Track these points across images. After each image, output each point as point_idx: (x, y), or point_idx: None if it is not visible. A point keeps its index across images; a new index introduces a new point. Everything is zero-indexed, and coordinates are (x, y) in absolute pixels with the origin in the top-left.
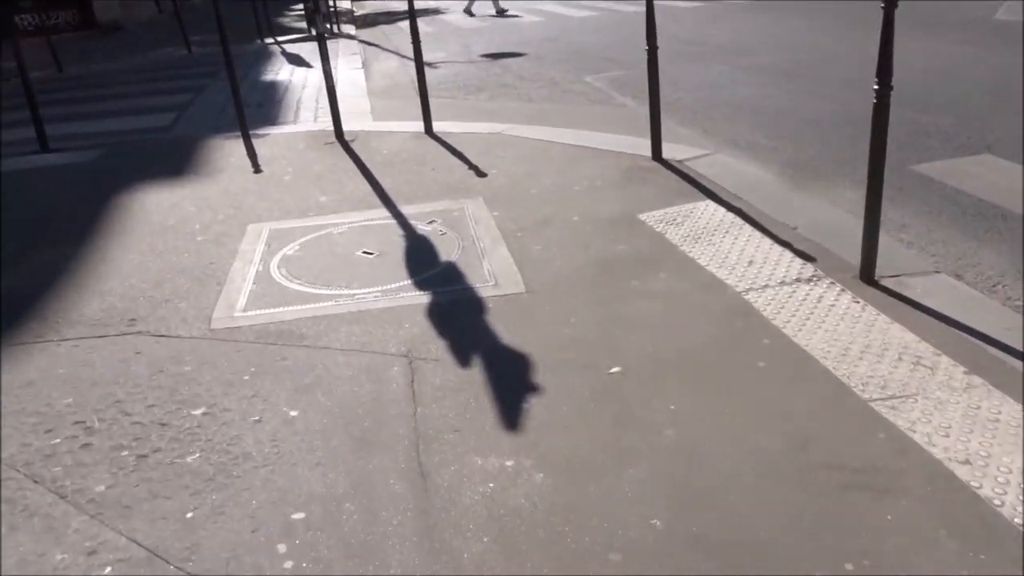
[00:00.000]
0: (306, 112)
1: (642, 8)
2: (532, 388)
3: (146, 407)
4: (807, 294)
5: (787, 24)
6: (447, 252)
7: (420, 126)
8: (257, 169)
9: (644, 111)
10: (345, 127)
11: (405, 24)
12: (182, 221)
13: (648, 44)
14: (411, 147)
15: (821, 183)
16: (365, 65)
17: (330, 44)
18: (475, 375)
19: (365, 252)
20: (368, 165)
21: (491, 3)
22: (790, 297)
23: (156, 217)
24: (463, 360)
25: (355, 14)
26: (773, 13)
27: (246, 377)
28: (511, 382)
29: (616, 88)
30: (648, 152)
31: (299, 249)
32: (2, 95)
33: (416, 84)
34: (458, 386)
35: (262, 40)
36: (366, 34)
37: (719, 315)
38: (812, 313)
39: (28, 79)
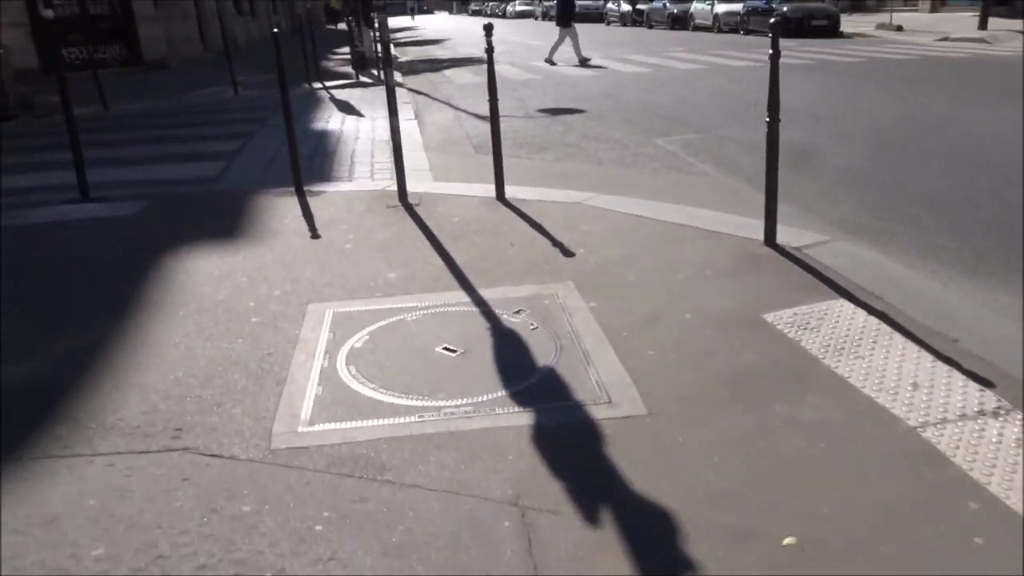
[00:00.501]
0: (361, 167)
1: (690, 67)
2: (688, 566)
3: (196, 569)
4: (1000, 435)
5: (849, 86)
6: (543, 354)
7: (489, 190)
8: (315, 234)
9: (731, 182)
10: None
11: (451, 72)
12: (234, 296)
13: (770, 115)
14: (483, 215)
15: (967, 281)
16: (418, 116)
17: (377, 91)
18: (609, 540)
19: (446, 349)
20: (437, 235)
21: (573, 52)
22: (980, 438)
23: (205, 289)
24: (589, 514)
25: (399, 60)
26: (826, 74)
27: (319, 527)
28: (659, 554)
29: (691, 153)
30: (756, 234)
31: (369, 340)
32: (40, 133)
33: (472, 140)
34: (590, 557)
35: (309, 84)
36: (412, 82)
37: (899, 461)
38: (1017, 464)
39: (72, 118)
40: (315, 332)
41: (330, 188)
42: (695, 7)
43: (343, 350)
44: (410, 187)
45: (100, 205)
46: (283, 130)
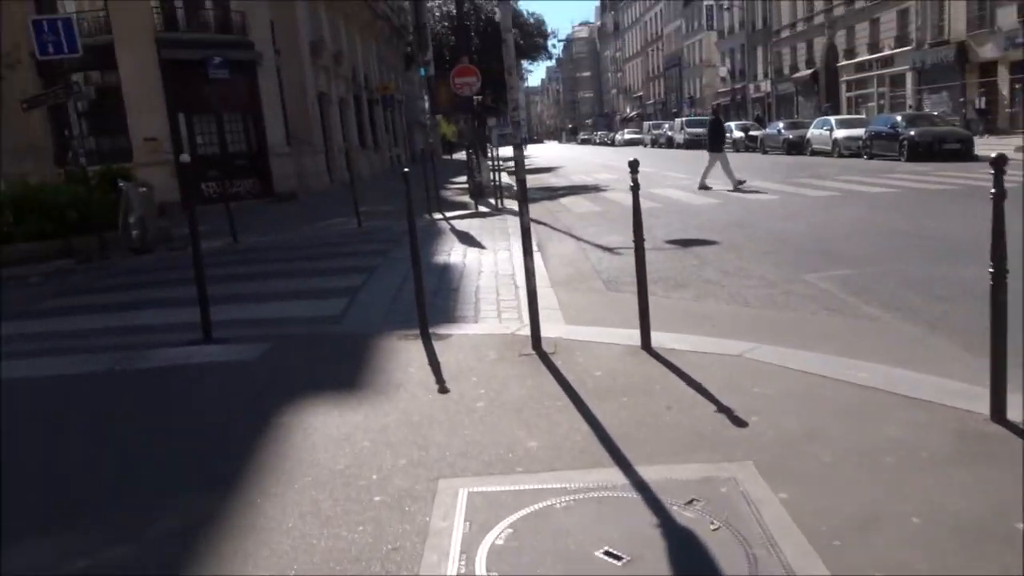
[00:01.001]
0: (486, 305)
1: (820, 193)
2: None
3: None
4: None
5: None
6: (733, 565)
7: (631, 336)
8: (442, 388)
9: (910, 328)
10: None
11: (567, 201)
12: (354, 465)
13: (994, 266)
14: (629, 368)
15: None
16: (540, 248)
17: (496, 221)
18: None
19: (609, 554)
20: (580, 393)
21: (726, 177)
22: None
23: (323, 455)
24: None
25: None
26: (976, 200)
27: None
28: None
29: (851, 292)
30: (975, 406)
31: (512, 536)
32: (173, 267)
33: (601, 275)
34: None
35: (429, 215)
36: (530, 211)
37: None
38: None
39: (200, 261)
40: (448, 520)
41: (456, 331)
42: (812, 132)
43: (482, 549)
44: (542, 329)
45: (222, 348)
46: (406, 263)
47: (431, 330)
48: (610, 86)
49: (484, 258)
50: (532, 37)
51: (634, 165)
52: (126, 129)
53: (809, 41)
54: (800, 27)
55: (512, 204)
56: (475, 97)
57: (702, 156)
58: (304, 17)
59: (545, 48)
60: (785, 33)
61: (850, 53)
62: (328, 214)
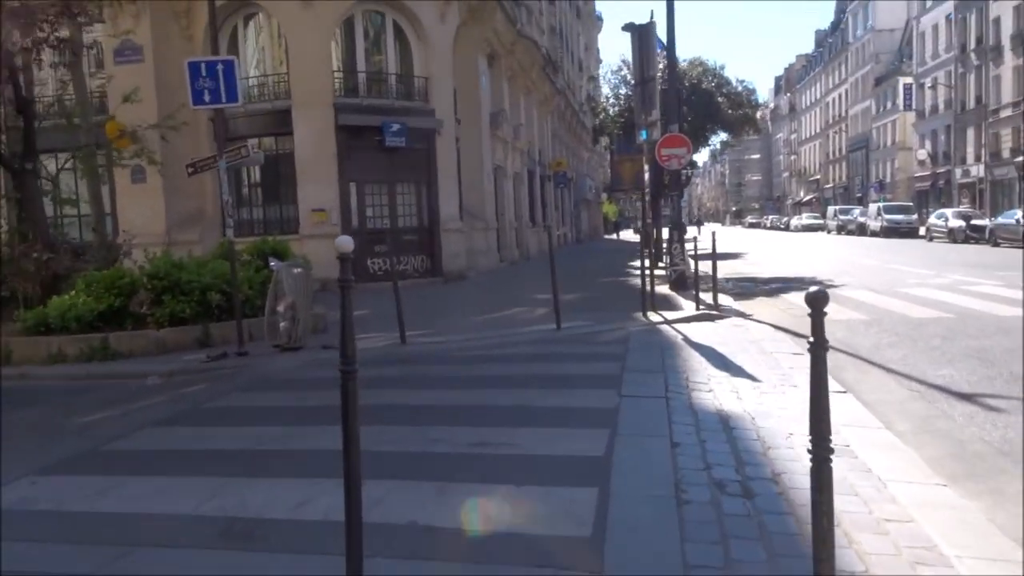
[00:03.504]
0: (798, 494)
1: None
2: None
3: None
4: None
5: None
6: None
7: None
8: None
9: None
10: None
11: (794, 297)
12: None
13: None
14: None
15: None
16: (848, 387)
17: (733, 329)
18: None
19: None
20: None
21: None
22: None
23: None
24: None
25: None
26: None
27: None
28: None
29: None
30: None
31: None
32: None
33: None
34: None
35: (645, 315)
36: (756, 309)
37: None
38: None
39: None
40: None
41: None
42: None
43: None
44: None
45: None
46: (658, 403)
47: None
48: (781, 169)
49: (769, 401)
50: (740, 107)
51: None
52: (296, 198)
53: None
54: None
55: (728, 301)
56: (684, 172)
57: (909, 246)
58: (485, 86)
59: (753, 121)
60: (1007, 112)
61: None
62: (505, 301)
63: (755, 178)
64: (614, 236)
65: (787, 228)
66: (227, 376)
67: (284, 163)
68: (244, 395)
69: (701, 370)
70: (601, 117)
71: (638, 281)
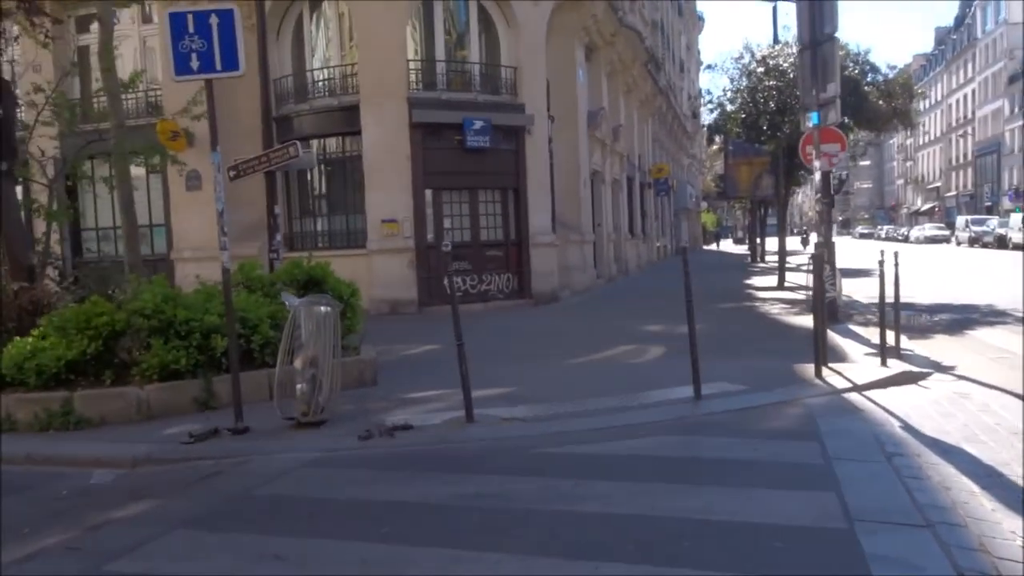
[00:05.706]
0: None
1: None
2: None
3: None
4: None
5: None
6: None
7: None
8: None
9: None
10: None
11: (985, 335)
12: None
13: None
14: None
15: None
16: None
17: (949, 396)
18: None
19: None
20: None
21: None
22: None
23: None
24: None
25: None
26: None
27: None
28: None
29: None
30: None
31: None
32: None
33: None
34: None
35: (819, 375)
36: (944, 355)
37: None
38: None
39: None
40: None
41: None
42: None
43: None
44: None
45: None
46: None
47: None
48: (895, 176)
49: None
50: (892, 99)
51: None
52: (363, 207)
53: None
54: None
55: (908, 343)
56: (839, 174)
57: None
58: (583, 79)
59: (907, 114)
60: None
61: None
62: (607, 334)
63: (865, 185)
64: (714, 247)
65: (906, 239)
66: (205, 477)
67: (352, 167)
68: (189, 539)
69: (976, 504)
70: (717, 113)
71: (768, 308)
